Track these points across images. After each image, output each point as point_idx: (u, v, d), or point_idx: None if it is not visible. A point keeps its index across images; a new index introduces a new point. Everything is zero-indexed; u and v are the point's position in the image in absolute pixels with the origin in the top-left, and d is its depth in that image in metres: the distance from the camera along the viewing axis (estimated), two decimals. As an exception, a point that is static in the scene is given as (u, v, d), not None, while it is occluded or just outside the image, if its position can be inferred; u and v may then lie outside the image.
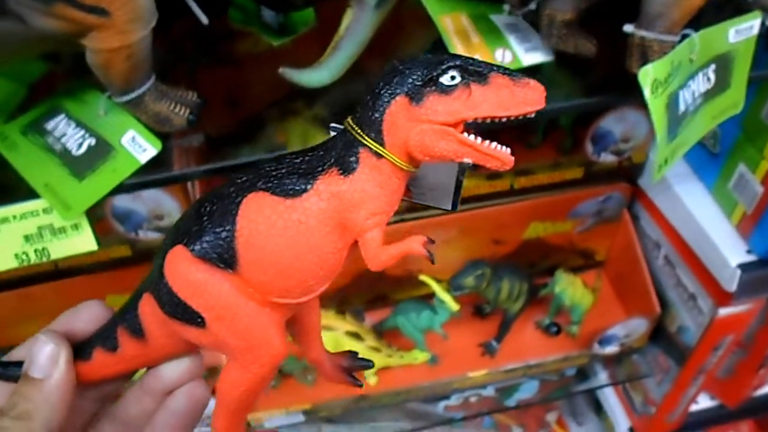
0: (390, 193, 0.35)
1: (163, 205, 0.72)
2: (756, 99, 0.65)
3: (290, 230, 0.34)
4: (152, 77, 0.47)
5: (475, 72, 0.33)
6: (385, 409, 1.02)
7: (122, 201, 0.71)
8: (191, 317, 0.34)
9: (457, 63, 0.33)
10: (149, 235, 0.74)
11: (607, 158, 0.78)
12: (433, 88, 0.33)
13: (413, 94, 0.34)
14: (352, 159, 0.34)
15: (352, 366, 0.42)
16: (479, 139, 0.34)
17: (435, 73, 0.33)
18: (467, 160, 0.34)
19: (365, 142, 0.34)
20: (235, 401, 0.36)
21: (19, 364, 0.36)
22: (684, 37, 0.48)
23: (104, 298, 0.82)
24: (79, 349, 0.37)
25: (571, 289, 0.80)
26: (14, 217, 0.48)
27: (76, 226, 0.50)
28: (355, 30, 0.50)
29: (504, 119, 0.33)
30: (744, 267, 0.68)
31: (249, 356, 0.35)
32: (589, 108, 0.71)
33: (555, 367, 0.86)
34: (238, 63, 0.67)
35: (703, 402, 1.01)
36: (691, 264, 0.76)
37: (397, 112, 0.34)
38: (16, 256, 0.49)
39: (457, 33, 0.49)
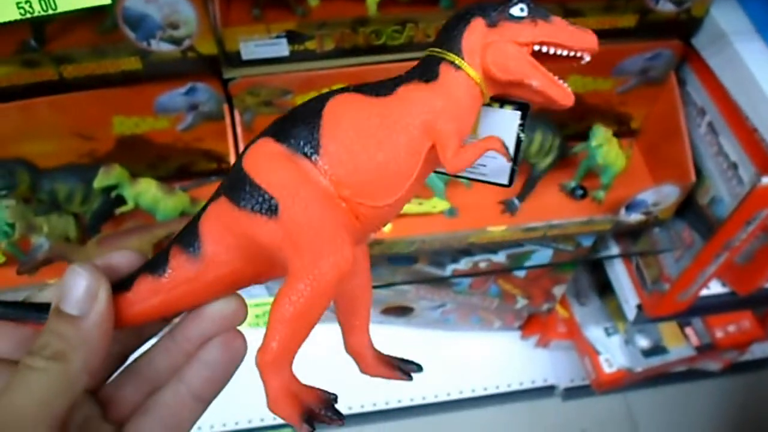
0: (466, 107, 0.36)
1: (180, 11, 0.66)
2: None
3: (371, 124, 0.34)
4: None
5: (541, 11, 0.36)
6: (390, 270, 1.00)
7: (135, 2, 0.65)
8: (264, 202, 0.32)
9: (527, 0, 0.36)
10: (162, 47, 0.68)
11: (666, 6, 0.71)
12: (506, 14, 0.36)
13: (489, 17, 0.36)
14: (433, 70, 0.36)
15: (400, 366, 0.40)
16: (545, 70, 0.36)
17: (507, 4, 0.36)
18: (534, 82, 0.35)
19: (445, 55, 0.36)
20: (290, 320, 0.31)
21: (47, 307, 0.31)
22: None
23: (111, 118, 0.77)
24: (119, 284, 0.33)
25: (606, 146, 0.76)
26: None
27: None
28: None
29: (563, 52, 0.36)
30: (801, 130, 0.63)
31: (315, 256, 0.32)
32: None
33: (576, 231, 0.83)
34: None
35: (715, 288, 1.00)
36: (738, 130, 0.72)
37: (474, 31, 0.36)
38: (18, 5, 0.43)
39: None
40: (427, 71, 0.36)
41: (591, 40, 0.36)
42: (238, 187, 0.33)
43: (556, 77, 0.35)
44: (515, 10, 0.36)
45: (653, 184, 0.80)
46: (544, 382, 1.31)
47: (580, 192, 0.82)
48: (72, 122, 0.76)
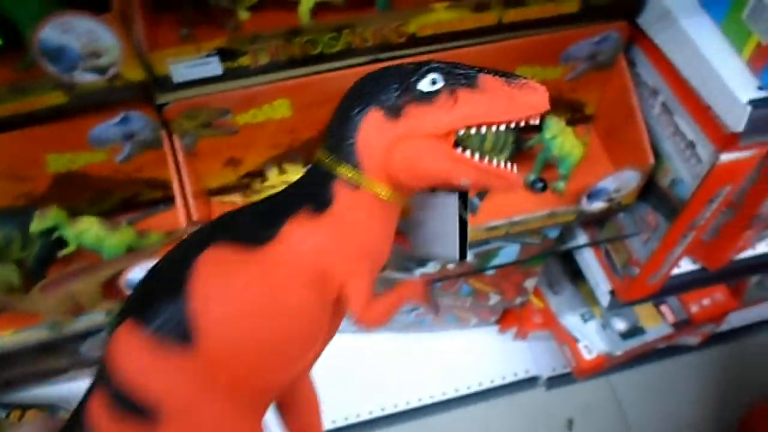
0: (376, 231, 0.30)
1: (100, 38, 0.62)
2: None
3: (255, 288, 0.27)
4: None
5: (461, 75, 0.29)
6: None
7: (51, 34, 0.61)
8: (142, 413, 0.27)
9: (438, 65, 0.29)
10: (86, 77, 0.64)
11: (608, -11, 0.69)
12: (412, 96, 0.28)
13: (388, 106, 0.29)
14: (325, 193, 0.29)
15: None
16: (477, 155, 0.29)
17: (412, 79, 0.28)
18: (464, 181, 0.29)
19: (339, 169, 0.29)
20: None
21: None
22: None
23: (44, 156, 0.73)
24: None
25: (561, 137, 0.74)
26: None
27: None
28: None
29: (501, 126, 0.29)
30: (755, 103, 0.62)
31: None
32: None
33: (539, 225, 0.80)
34: None
35: (685, 266, 0.99)
36: (692, 108, 0.70)
37: (371, 129, 0.29)
38: None
39: None
40: (317, 194, 0.29)
41: (535, 101, 0.29)
42: (111, 386, 0.28)
43: (493, 162, 0.29)
44: (424, 85, 0.28)
45: (613, 170, 0.78)
46: (526, 373, 1.29)
47: (540, 185, 0.80)
48: (2, 164, 0.72)
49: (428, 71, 0.28)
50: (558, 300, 1.21)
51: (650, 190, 0.81)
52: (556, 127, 0.73)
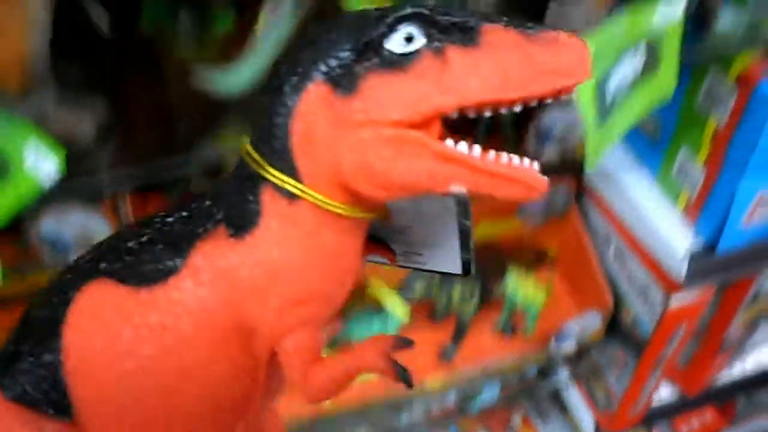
0: (324, 261, 0.21)
1: (92, 229, 0.68)
2: (692, 85, 0.64)
3: (148, 343, 0.20)
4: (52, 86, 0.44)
5: (453, 25, 0.18)
6: (348, 423, 0.99)
7: (48, 225, 0.67)
8: None
9: (420, 11, 0.18)
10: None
11: (551, 152, 0.77)
12: (377, 61, 0.18)
13: (339, 75, 0.18)
14: (249, 206, 0.20)
15: None
16: (475, 148, 0.19)
17: (376, 33, 0.18)
18: (456, 188, 0.19)
19: (267, 174, 0.20)
20: None
21: None
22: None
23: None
24: None
25: (522, 288, 0.79)
26: None
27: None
28: (273, 28, 0.47)
29: (510, 106, 0.19)
30: (692, 255, 0.67)
31: None
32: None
33: (514, 368, 0.84)
34: (160, 77, 0.64)
35: (665, 392, 1.01)
36: (640, 256, 0.76)
37: (311, 111, 0.19)
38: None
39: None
40: (237, 207, 0.20)
41: (570, 63, 0.19)
42: None
43: (502, 158, 0.19)
44: (395, 42, 0.18)
45: (578, 310, 0.82)
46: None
47: (509, 331, 0.84)
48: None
49: (400, 20, 0.18)
50: (548, 428, 1.21)
51: (616, 328, 0.85)
52: (515, 280, 0.79)
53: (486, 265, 0.87)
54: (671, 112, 0.67)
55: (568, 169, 0.80)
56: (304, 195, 0.20)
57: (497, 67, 0.18)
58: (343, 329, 0.81)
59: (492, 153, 0.19)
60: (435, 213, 0.24)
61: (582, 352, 0.93)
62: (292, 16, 0.47)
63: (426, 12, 0.19)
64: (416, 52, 0.18)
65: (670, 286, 0.72)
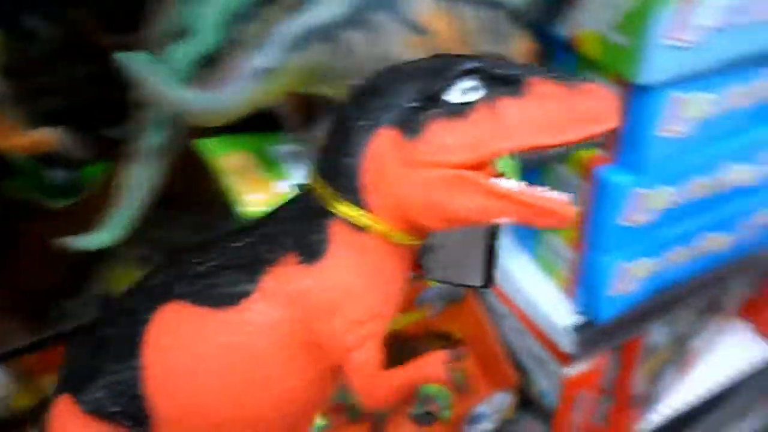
0: (384, 285, 0.23)
1: None
2: (544, 173, 0.70)
3: (228, 360, 0.22)
4: None
5: (504, 78, 0.21)
6: None
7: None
8: None
9: (475, 66, 0.21)
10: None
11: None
12: (438, 110, 0.21)
13: (406, 121, 0.21)
14: (318, 236, 0.23)
15: None
16: (520, 184, 0.22)
17: (438, 86, 0.21)
18: (504, 221, 0.22)
19: (337, 208, 0.22)
20: None
21: None
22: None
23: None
24: None
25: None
26: None
27: None
28: (134, 183, 0.50)
29: (555, 149, 0.22)
30: (576, 329, 0.72)
31: None
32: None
33: (435, 457, 0.85)
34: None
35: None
36: (533, 331, 0.80)
37: (382, 152, 0.22)
38: None
39: (235, 172, 0.51)
40: (306, 237, 0.23)
41: (602, 112, 0.21)
42: None
43: (539, 192, 0.22)
44: (455, 94, 0.21)
45: (488, 393, 0.85)
46: None
47: (427, 418, 0.86)
48: None
49: (461, 74, 0.21)
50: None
51: (527, 402, 0.88)
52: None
53: (395, 355, 0.89)
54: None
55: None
56: (373, 227, 0.22)
57: (542, 115, 0.21)
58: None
59: (531, 187, 0.22)
60: (465, 234, 0.26)
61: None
62: (153, 169, 0.50)
63: (480, 66, 0.21)
64: (473, 102, 0.21)
65: (564, 359, 0.76)
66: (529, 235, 0.79)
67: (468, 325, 0.90)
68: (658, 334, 0.91)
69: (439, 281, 0.27)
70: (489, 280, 0.27)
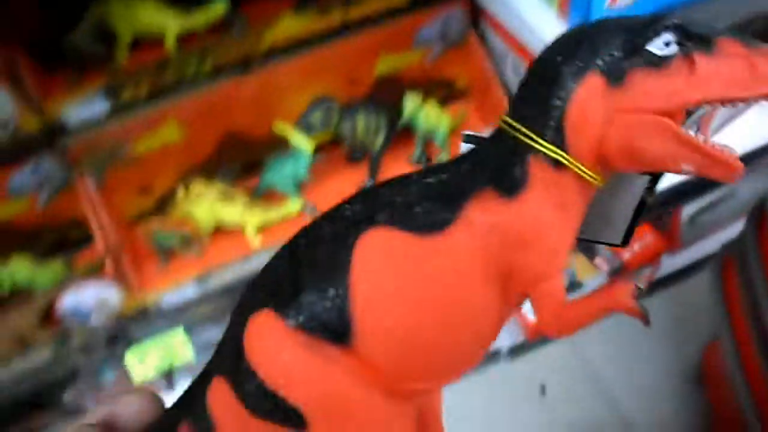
0: (573, 221, 0.25)
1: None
2: None
3: (431, 281, 0.23)
4: None
5: (698, 36, 0.24)
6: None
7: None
8: (286, 416, 0.24)
9: (674, 23, 0.23)
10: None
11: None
12: (641, 60, 0.23)
13: (611, 69, 0.23)
14: (516, 172, 0.24)
15: None
16: (702, 136, 0.24)
17: (642, 38, 0.23)
18: (686, 167, 0.24)
19: (538, 146, 0.24)
20: None
21: None
22: None
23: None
24: None
25: (422, 111, 0.82)
26: None
27: None
28: None
29: (739, 103, 0.24)
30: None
31: None
32: None
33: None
34: None
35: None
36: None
37: (588, 98, 0.23)
38: None
39: None
40: (505, 171, 0.24)
41: None
42: (245, 384, 0.25)
43: (716, 146, 0.24)
44: (656, 46, 0.23)
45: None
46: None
47: (425, 161, 0.88)
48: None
49: (662, 29, 0.23)
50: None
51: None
52: (412, 104, 0.81)
53: (390, 97, 0.90)
54: None
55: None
56: (570, 165, 0.24)
57: (730, 72, 0.24)
58: (263, 177, 0.85)
59: (711, 140, 0.24)
60: (623, 191, 0.28)
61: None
62: None
63: (680, 23, 0.24)
64: (672, 55, 0.24)
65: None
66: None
67: (469, 68, 0.89)
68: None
69: (578, 239, 0.27)
70: (627, 239, 0.29)
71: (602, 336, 1.40)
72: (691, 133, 0.24)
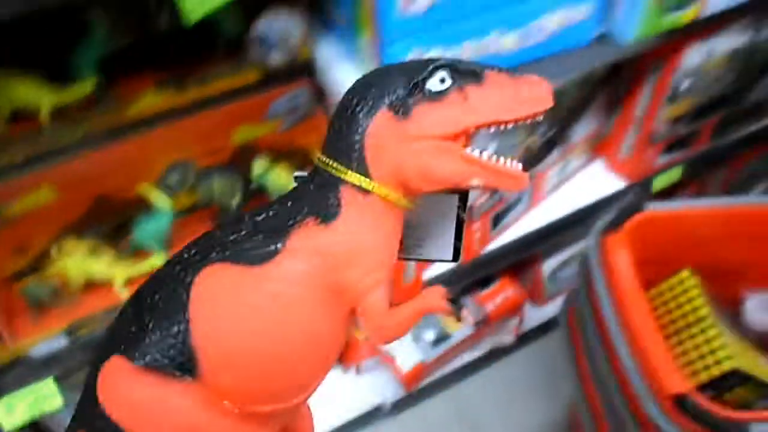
0: (387, 239, 0.28)
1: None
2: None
3: (265, 308, 0.26)
4: None
5: (468, 71, 0.28)
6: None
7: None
8: None
9: (445, 63, 0.28)
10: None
11: (276, 57, 0.92)
12: (422, 96, 0.27)
13: (398, 106, 0.27)
14: (332, 201, 0.28)
15: None
16: (485, 154, 0.28)
17: (420, 77, 0.27)
18: (476, 182, 0.27)
19: (346, 177, 0.27)
20: None
21: None
22: None
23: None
24: None
25: (271, 173, 0.93)
26: None
27: None
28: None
29: (510, 124, 0.28)
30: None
31: None
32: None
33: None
34: None
35: (439, 267, 1.17)
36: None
37: (380, 131, 0.27)
38: None
39: None
40: (321, 202, 0.28)
41: (541, 96, 0.27)
42: (103, 429, 0.26)
43: (501, 161, 0.28)
44: (434, 83, 0.27)
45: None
46: (371, 405, 1.41)
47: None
48: None
49: (436, 69, 0.27)
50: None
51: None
52: (260, 166, 0.93)
53: (247, 163, 1.01)
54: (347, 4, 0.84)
55: (301, 71, 0.96)
56: (375, 190, 0.28)
57: (499, 98, 0.28)
58: (131, 238, 0.94)
59: (494, 156, 0.28)
60: (438, 211, 0.32)
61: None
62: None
63: (451, 62, 0.28)
64: (447, 89, 0.28)
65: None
66: (348, 36, 0.89)
67: (318, 138, 1.02)
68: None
69: (414, 259, 0.34)
70: (457, 254, 0.34)
71: (479, 386, 1.49)
72: (476, 152, 0.28)
